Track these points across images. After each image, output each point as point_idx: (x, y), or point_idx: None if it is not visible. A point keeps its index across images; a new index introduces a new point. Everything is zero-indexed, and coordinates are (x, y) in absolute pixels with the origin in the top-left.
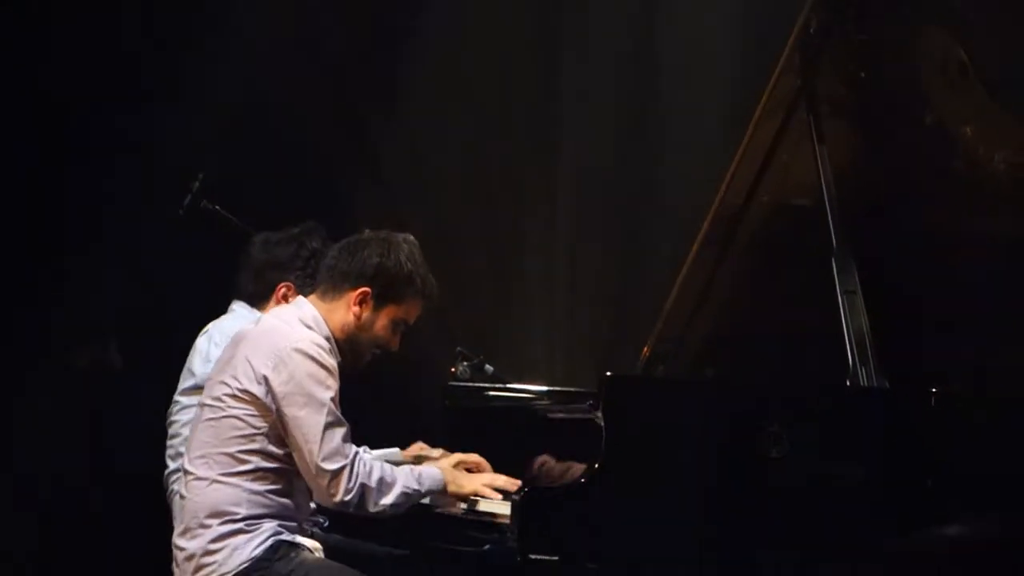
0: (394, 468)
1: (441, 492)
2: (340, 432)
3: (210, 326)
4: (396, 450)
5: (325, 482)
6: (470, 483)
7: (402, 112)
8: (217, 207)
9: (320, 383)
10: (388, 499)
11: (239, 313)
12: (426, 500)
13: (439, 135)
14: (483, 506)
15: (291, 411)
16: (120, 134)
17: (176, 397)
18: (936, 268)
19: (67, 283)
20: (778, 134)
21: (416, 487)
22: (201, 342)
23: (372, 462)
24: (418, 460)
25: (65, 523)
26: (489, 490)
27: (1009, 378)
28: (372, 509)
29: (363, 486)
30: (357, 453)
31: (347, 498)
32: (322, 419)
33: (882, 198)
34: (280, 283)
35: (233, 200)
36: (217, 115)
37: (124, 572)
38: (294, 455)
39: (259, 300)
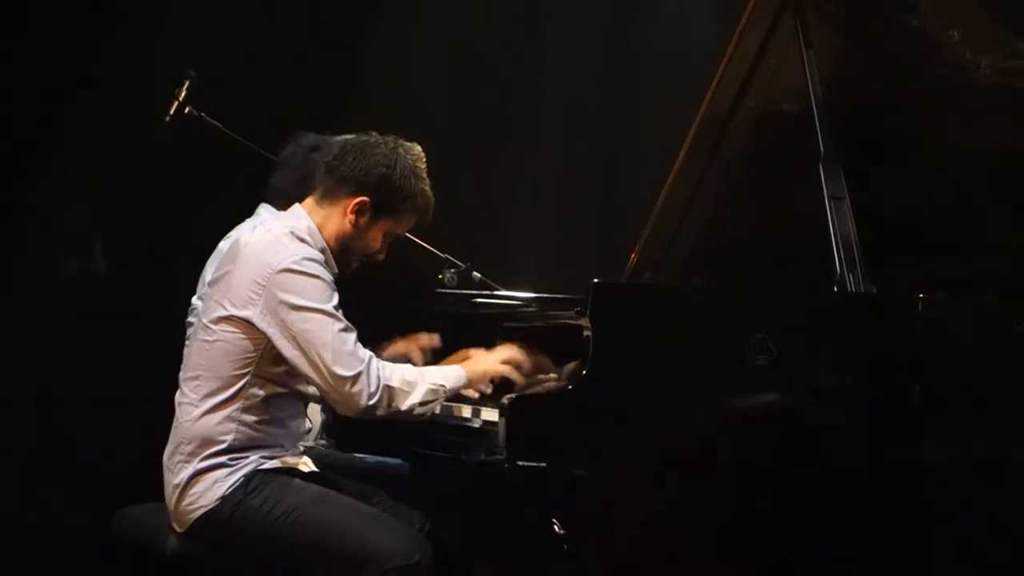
0: (412, 367)
1: (465, 386)
2: (350, 337)
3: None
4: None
5: (346, 389)
6: (489, 365)
7: (389, 13)
8: (202, 114)
9: (319, 295)
10: (416, 397)
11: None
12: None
13: (427, 49)
14: (486, 415)
15: (296, 328)
16: (104, 42)
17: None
18: (922, 174)
19: (52, 191)
20: (765, 39)
21: (442, 383)
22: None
23: (391, 364)
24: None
25: (59, 443)
26: (509, 367)
27: (993, 284)
28: (402, 409)
29: (387, 387)
30: (372, 356)
31: (372, 402)
32: (328, 328)
33: (869, 104)
34: None
35: (220, 108)
36: (205, 22)
37: (121, 493)
38: (308, 374)
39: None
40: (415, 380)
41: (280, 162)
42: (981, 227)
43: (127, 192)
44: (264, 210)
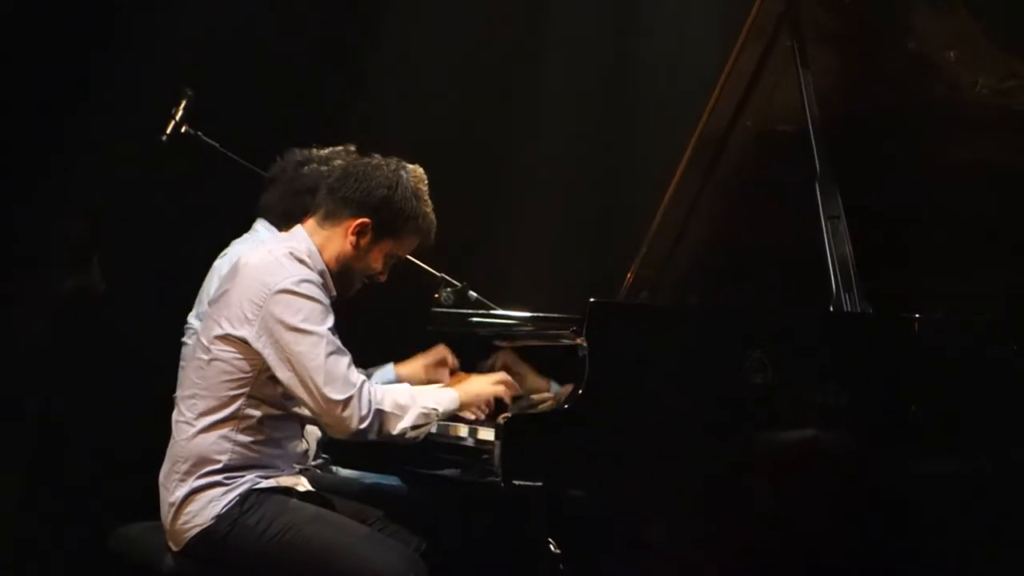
0: (411, 390)
1: (458, 409)
2: (344, 361)
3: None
4: (390, 366)
5: (338, 412)
6: (483, 388)
7: (388, 34)
8: (199, 133)
9: (315, 317)
10: (407, 421)
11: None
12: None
13: (425, 59)
14: (483, 434)
15: (290, 349)
16: (103, 57)
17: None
18: (918, 194)
19: (52, 205)
20: (762, 60)
21: (434, 406)
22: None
23: (384, 388)
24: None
25: (56, 461)
26: (502, 388)
27: (991, 304)
28: (394, 433)
29: (379, 411)
30: (365, 380)
31: (363, 426)
32: (322, 351)
33: (865, 124)
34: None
35: (218, 126)
36: (203, 40)
37: (118, 512)
38: (300, 396)
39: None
40: (407, 404)
41: (268, 179)
42: (977, 245)
43: (125, 208)
44: (261, 225)
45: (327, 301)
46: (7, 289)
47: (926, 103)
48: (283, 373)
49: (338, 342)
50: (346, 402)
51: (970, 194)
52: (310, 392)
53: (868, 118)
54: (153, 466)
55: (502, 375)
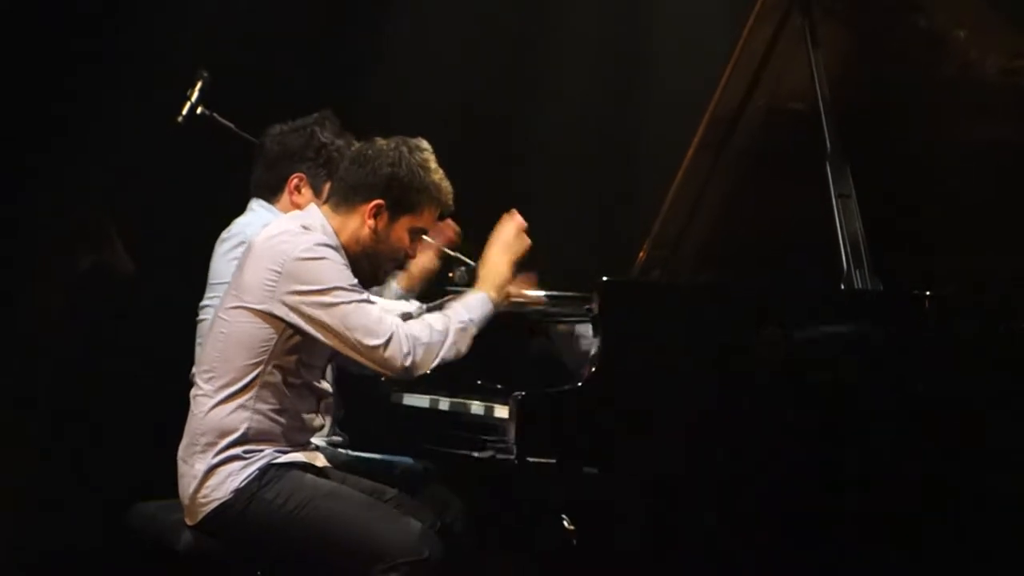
0: (442, 312)
1: (492, 309)
2: (373, 308)
3: (227, 229)
4: (393, 283)
5: (381, 355)
6: (503, 271)
7: (401, 10)
8: (214, 114)
9: (335, 275)
10: (449, 342)
11: (257, 213)
12: None
13: (439, 35)
14: (497, 412)
15: (319, 312)
16: (118, 39)
17: (203, 303)
18: (928, 173)
19: (66, 188)
20: (773, 38)
21: (469, 317)
22: (221, 246)
23: (416, 320)
24: None
25: (73, 438)
26: (517, 247)
27: (999, 282)
28: (439, 358)
29: (419, 343)
30: (397, 321)
31: (408, 362)
32: (351, 302)
33: (876, 103)
34: (292, 174)
35: (234, 107)
36: (218, 21)
37: (136, 489)
38: (347, 354)
39: (272, 193)
40: (444, 328)
41: (254, 159)
42: (986, 225)
43: (141, 189)
44: (256, 204)
45: (344, 261)
46: (24, 271)
47: (936, 81)
48: (322, 337)
49: (363, 291)
50: (386, 344)
51: (979, 172)
52: (351, 345)
53: (878, 96)
54: (171, 445)
55: (503, 242)
